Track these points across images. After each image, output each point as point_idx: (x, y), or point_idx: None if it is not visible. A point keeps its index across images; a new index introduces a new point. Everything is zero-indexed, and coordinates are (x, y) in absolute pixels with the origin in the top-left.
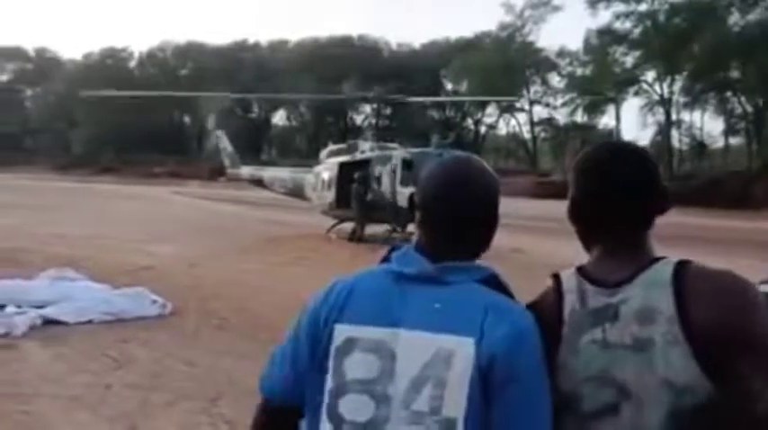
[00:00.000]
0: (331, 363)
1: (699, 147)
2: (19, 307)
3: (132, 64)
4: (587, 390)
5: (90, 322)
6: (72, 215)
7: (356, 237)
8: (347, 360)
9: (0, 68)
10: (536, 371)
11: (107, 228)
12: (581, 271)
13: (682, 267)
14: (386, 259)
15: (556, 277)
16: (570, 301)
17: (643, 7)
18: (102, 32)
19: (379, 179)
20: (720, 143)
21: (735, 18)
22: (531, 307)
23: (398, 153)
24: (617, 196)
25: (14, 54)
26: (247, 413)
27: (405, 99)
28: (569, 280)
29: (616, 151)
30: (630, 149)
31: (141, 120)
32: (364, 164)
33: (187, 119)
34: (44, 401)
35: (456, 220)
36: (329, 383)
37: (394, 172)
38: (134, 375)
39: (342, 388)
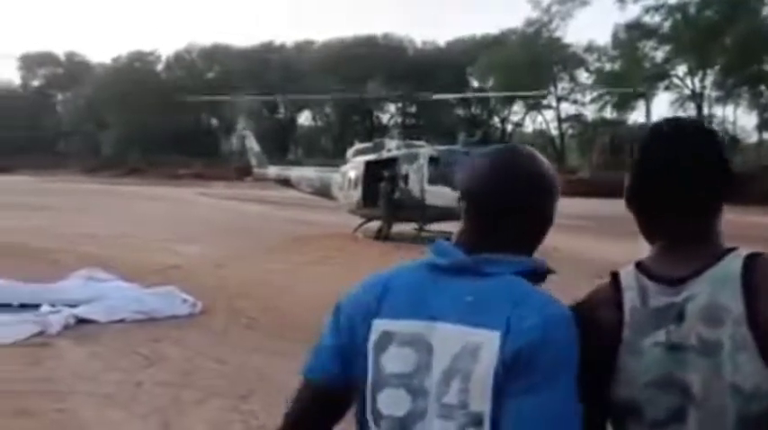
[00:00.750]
0: (370, 359)
1: (731, 142)
2: (53, 306)
3: (160, 67)
4: (650, 396)
5: (122, 321)
6: (100, 216)
7: (383, 236)
8: (384, 355)
9: (32, 74)
10: (565, 366)
11: (134, 229)
12: (640, 266)
13: (751, 260)
14: None
15: (614, 274)
16: (630, 299)
17: (673, 0)
18: (129, 36)
19: (406, 177)
20: (754, 138)
21: None
22: (584, 304)
23: (425, 151)
24: (677, 180)
25: (45, 59)
26: (279, 410)
27: (429, 97)
28: (628, 276)
29: (676, 129)
30: (693, 127)
31: (168, 122)
32: (391, 162)
33: (214, 120)
34: (78, 399)
35: (496, 210)
36: (369, 379)
37: (421, 170)
38: (165, 373)
39: (379, 383)
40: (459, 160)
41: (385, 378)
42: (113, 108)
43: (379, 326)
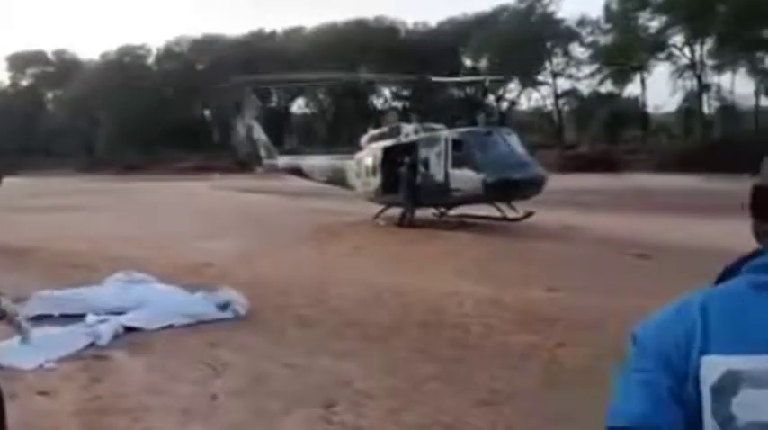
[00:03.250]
0: (709, 406)
1: (729, 111)
2: (96, 314)
3: (150, 60)
4: None
5: (171, 327)
6: (113, 215)
7: (406, 223)
8: (735, 399)
9: (21, 74)
10: None
11: (152, 227)
12: None
13: None
14: (731, 272)
15: None
16: None
17: None
18: (118, 31)
19: (427, 161)
20: (751, 103)
21: None
22: None
23: (446, 134)
24: None
25: (34, 58)
26: (371, 419)
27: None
28: None
29: None
30: None
31: (162, 116)
32: (411, 147)
33: (207, 112)
34: (156, 416)
35: None
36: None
37: (443, 153)
38: (236, 382)
39: None
40: (482, 142)
41: (739, 428)
42: (106, 104)
43: (717, 363)
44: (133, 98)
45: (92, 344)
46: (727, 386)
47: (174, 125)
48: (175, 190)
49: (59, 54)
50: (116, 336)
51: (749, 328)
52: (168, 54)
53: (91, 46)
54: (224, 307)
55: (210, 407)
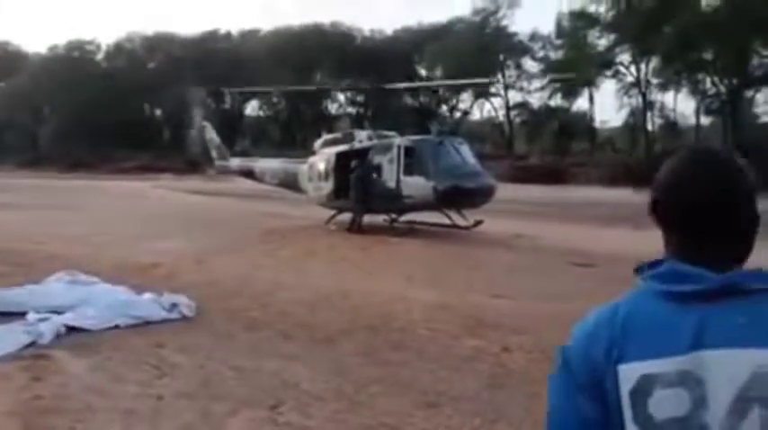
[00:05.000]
0: (628, 410)
1: (671, 127)
2: (38, 313)
3: (99, 56)
4: None
5: (116, 327)
6: (58, 212)
7: (355, 228)
8: (650, 400)
9: None
10: None
11: (100, 225)
12: None
13: None
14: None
15: None
16: None
17: None
18: (67, 25)
19: (379, 168)
20: (692, 121)
21: None
22: None
23: (399, 141)
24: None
25: None
26: (317, 420)
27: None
28: None
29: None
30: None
31: (110, 114)
32: (363, 153)
33: (158, 112)
34: (100, 417)
35: (737, 228)
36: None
37: (396, 160)
38: (182, 383)
39: None
40: (434, 150)
41: (659, 425)
42: (52, 100)
43: (633, 371)
44: (81, 94)
45: (32, 344)
46: (643, 389)
47: (123, 123)
48: (123, 189)
49: (3, 46)
50: (59, 336)
51: (656, 334)
52: (119, 50)
53: (37, 39)
54: (171, 308)
55: (155, 408)
